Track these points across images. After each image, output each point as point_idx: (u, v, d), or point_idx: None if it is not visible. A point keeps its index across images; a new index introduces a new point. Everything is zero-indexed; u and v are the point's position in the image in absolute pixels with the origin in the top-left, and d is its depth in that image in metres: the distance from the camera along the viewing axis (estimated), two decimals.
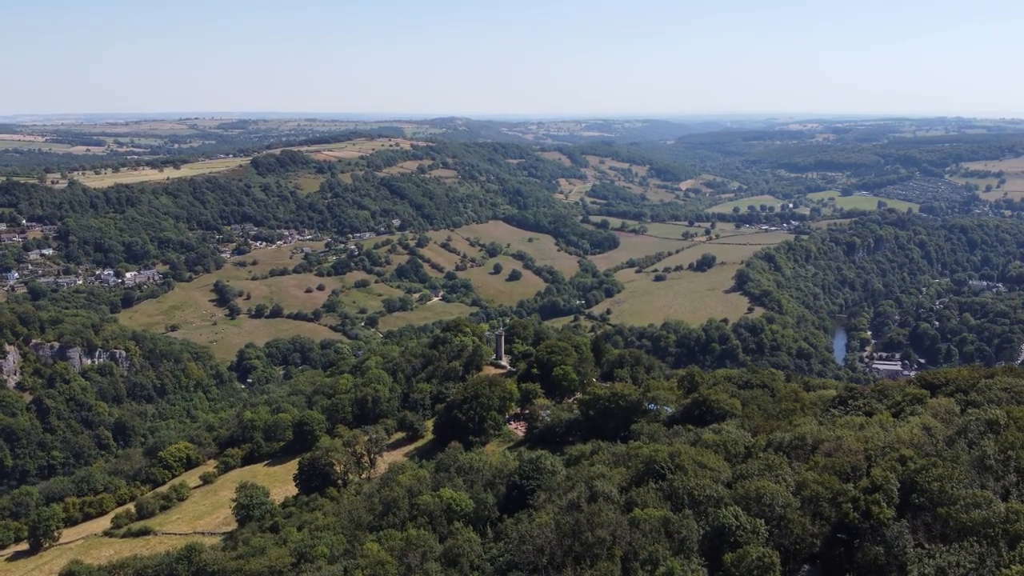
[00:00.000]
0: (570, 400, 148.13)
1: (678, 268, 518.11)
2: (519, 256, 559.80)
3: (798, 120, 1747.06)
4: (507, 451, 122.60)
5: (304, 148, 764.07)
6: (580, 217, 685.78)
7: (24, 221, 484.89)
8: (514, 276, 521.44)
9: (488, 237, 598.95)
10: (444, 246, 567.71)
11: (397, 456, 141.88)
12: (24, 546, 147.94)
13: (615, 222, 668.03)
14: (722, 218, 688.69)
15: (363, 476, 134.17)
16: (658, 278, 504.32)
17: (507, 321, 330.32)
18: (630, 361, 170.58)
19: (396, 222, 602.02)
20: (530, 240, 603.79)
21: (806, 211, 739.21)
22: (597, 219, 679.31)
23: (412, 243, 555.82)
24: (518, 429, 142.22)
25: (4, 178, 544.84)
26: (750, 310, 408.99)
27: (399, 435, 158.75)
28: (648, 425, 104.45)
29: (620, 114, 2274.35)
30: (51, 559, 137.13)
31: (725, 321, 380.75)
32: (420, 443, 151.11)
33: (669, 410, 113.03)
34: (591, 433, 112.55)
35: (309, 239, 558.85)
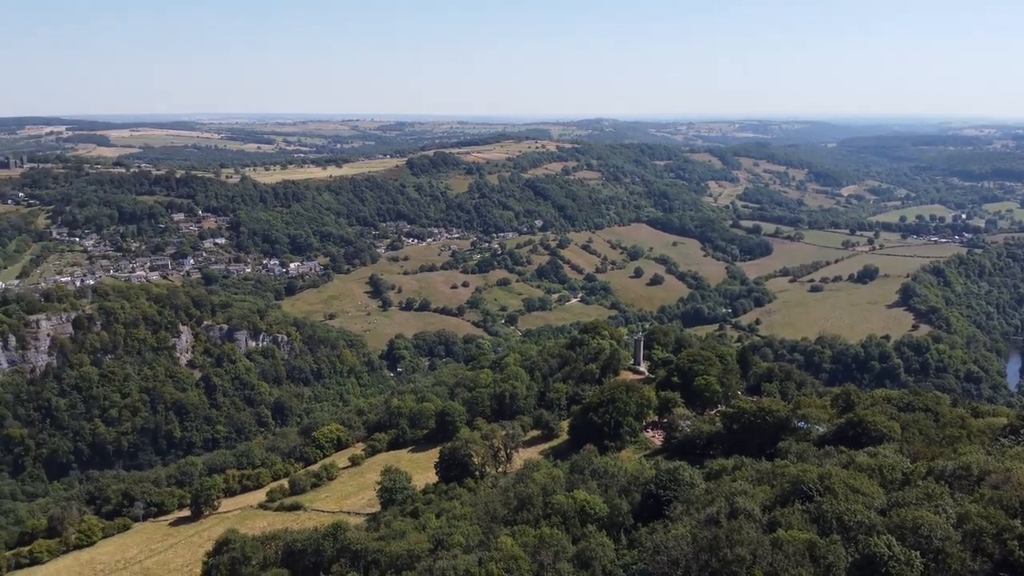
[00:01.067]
0: (712, 412, 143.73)
1: (836, 279, 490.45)
2: (662, 260, 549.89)
3: (973, 125, 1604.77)
4: (643, 459, 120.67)
5: (455, 150, 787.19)
6: (729, 221, 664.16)
7: (200, 212, 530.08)
8: (656, 280, 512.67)
9: (630, 240, 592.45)
10: (585, 248, 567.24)
11: (532, 453, 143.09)
12: (186, 512, 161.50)
13: (768, 228, 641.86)
14: (887, 227, 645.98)
15: (499, 470, 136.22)
16: (814, 289, 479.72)
17: (647, 326, 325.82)
18: (780, 375, 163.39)
19: (538, 223, 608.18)
20: (674, 244, 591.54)
21: (980, 223, 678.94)
22: (748, 224, 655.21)
23: (553, 244, 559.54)
24: (655, 438, 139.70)
25: (184, 172, 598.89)
26: (914, 327, 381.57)
27: (534, 433, 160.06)
28: (796, 444, 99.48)
29: (777, 115, 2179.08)
30: (210, 526, 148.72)
31: (886, 338, 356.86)
32: (555, 443, 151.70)
33: (820, 429, 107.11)
34: (733, 448, 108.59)
35: (456, 237, 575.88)
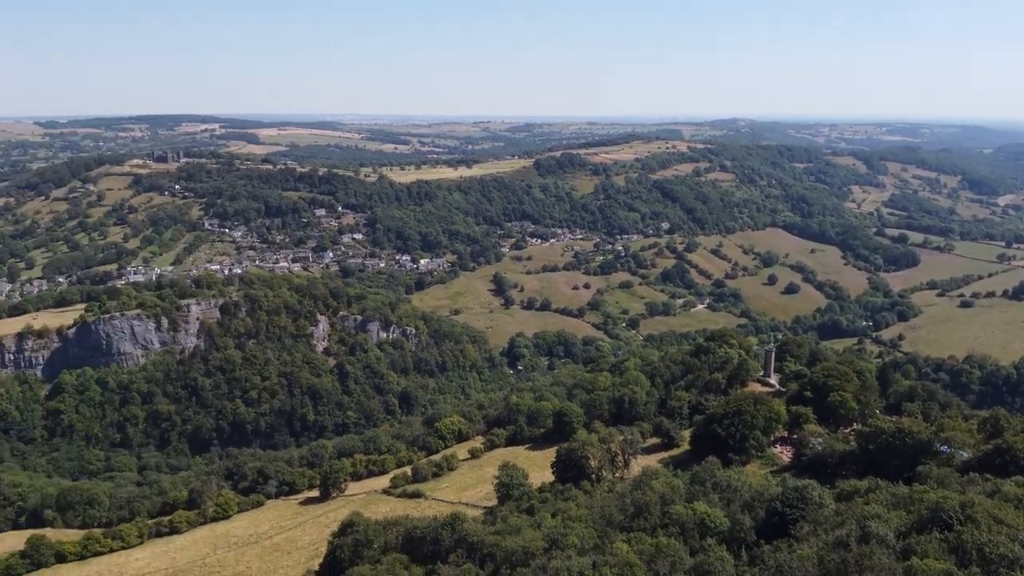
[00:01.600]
0: (846, 431, 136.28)
1: (989, 295, 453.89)
2: (798, 268, 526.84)
3: None
4: (769, 475, 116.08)
5: (582, 151, 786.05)
6: (873, 229, 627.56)
7: (340, 208, 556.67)
8: (791, 289, 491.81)
9: (764, 245, 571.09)
10: (714, 252, 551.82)
11: (650, 461, 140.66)
12: (315, 493, 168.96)
13: (916, 237, 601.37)
14: None
15: (616, 475, 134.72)
16: (964, 304, 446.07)
17: (779, 337, 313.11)
18: (922, 395, 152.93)
19: (665, 225, 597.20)
20: (812, 251, 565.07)
21: None
22: (894, 232, 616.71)
23: (680, 247, 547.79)
24: (783, 453, 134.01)
25: (326, 170, 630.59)
26: None
27: (653, 440, 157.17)
28: (937, 468, 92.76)
29: (928, 117, 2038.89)
30: (336, 508, 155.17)
31: None
32: (675, 452, 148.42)
33: (964, 455, 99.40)
34: (868, 469, 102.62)
35: (580, 238, 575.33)
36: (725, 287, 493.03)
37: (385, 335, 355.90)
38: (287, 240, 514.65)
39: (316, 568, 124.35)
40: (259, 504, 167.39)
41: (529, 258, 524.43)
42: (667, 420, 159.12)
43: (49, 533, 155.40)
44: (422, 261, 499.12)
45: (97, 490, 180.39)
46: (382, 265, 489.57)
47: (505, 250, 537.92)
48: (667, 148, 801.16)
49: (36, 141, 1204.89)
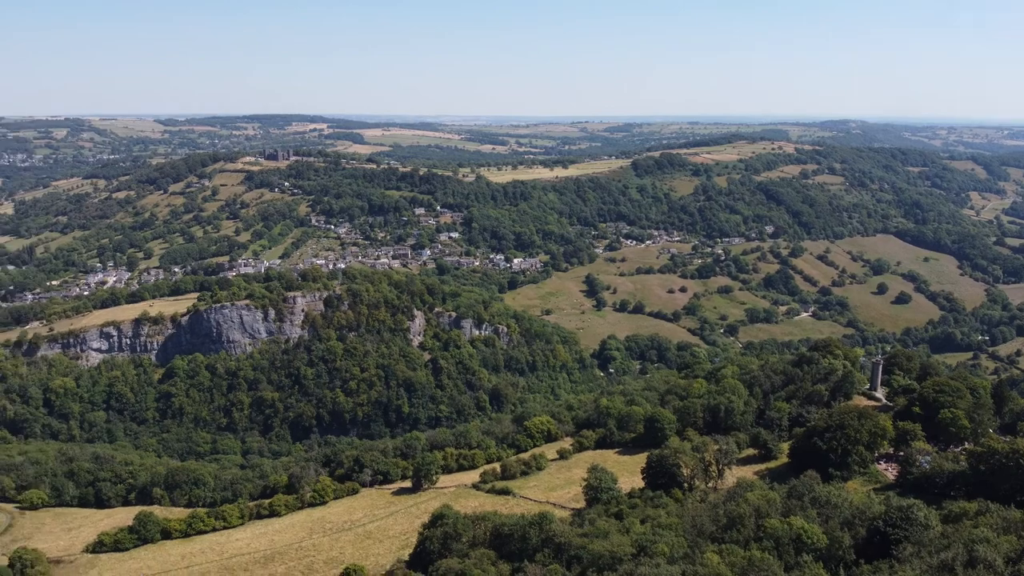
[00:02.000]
0: (957, 449, 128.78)
1: None
2: (910, 277, 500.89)
3: None
4: (872, 492, 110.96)
5: (682, 151, 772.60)
6: (993, 238, 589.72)
7: (439, 207, 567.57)
8: (901, 299, 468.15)
9: (874, 252, 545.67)
10: (820, 258, 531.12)
11: (746, 472, 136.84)
12: (408, 484, 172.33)
13: None
14: None
15: (709, 485, 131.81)
16: None
17: (887, 349, 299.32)
18: None
19: (769, 229, 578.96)
20: (926, 260, 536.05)
21: None
22: (1015, 242, 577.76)
23: (784, 252, 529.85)
24: (887, 471, 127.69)
25: (426, 170, 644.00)
26: None
27: (750, 451, 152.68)
28: None
29: None
30: (427, 500, 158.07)
31: None
32: (772, 464, 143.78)
33: None
34: (978, 491, 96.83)
35: (677, 240, 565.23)
36: (831, 295, 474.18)
37: (478, 332, 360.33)
38: (388, 237, 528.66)
39: (406, 557, 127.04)
40: (354, 492, 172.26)
41: (623, 259, 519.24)
42: (765, 431, 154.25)
43: (157, 510, 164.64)
44: (515, 260, 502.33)
45: (203, 471, 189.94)
46: (476, 263, 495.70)
47: (599, 251, 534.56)
48: (772, 149, 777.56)
49: (156, 138, 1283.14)
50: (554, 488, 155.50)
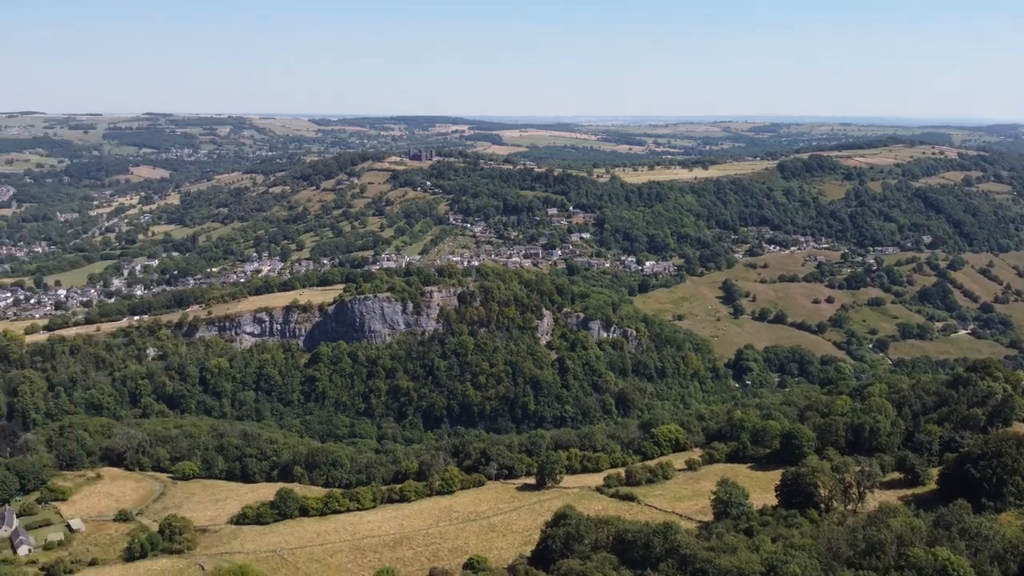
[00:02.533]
0: None
1: None
2: None
3: None
4: None
5: (834, 153, 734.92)
6: None
7: (571, 208, 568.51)
8: None
9: None
10: (983, 272, 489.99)
11: (889, 497, 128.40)
12: (532, 480, 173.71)
13: None
14: None
15: (848, 507, 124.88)
16: None
17: None
18: None
19: (926, 239, 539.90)
20: None
21: None
22: None
23: (942, 264, 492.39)
24: None
25: (561, 170, 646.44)
26: None
27: (894, 475, 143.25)
28: None
29: None
30: (550, 498, 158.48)
31: None
32: (918, 490, 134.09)
33: None
34: None
35: (824, 248, 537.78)
36: (993, 312, 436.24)
37: (606, 334, 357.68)
38: (521, 237, 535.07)
39: (528, 554, 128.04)
40: (480, 484, 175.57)
41: (764, 266, 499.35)
42: (912, 455, 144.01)
43: (296, 488, 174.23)
44: (647, 263, 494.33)
45: (340, 453, 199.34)
46: (607, 265, 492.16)
47: (738, 256, 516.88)
48: (933, 153, 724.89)
49: (310, 136, 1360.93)
50: (681, 498, 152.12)
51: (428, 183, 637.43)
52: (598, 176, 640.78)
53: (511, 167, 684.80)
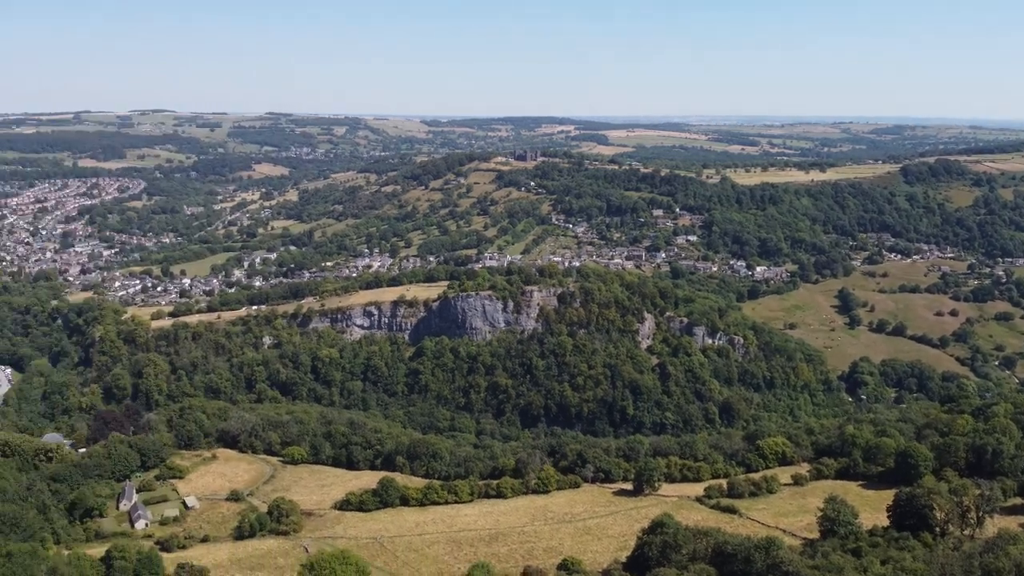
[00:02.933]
0: None
1: None
2: None
3: None
4: None
5: (961, 157, 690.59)
6: None
7: (678, 209, 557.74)
8: None
9: None
10: None
11: (1010, 523, 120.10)
12: (628, 486, 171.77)
13: None
14: None
15: (965, 532, 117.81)
16: None
17: None
18: None
19: None
20: None
21: None
22: None
23: None
24: None
25: (668, 171, 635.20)
26: None
27: (1017, 500, 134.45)
28: None
29: None
30: (648, 505, 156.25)
31: None
32: None
33: None
34: None
35: (949, 258, 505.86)
36: None
37: (711, 341, 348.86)
38: (623, 238, 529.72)
39: (623, 559, 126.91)
40: (576, 485, 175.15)
41: (884, 275, 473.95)
42: None
43: (398, 477, 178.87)
44: (758, 268, 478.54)
45: (440, 446, 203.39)
46: (714, 269, 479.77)
47: (856, 263, 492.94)
48: None
49: (421, 137, 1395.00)
50: (785, 514, 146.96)
51: (532, 183, 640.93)
52: (707, 177, 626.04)
53: (616, 167, 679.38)
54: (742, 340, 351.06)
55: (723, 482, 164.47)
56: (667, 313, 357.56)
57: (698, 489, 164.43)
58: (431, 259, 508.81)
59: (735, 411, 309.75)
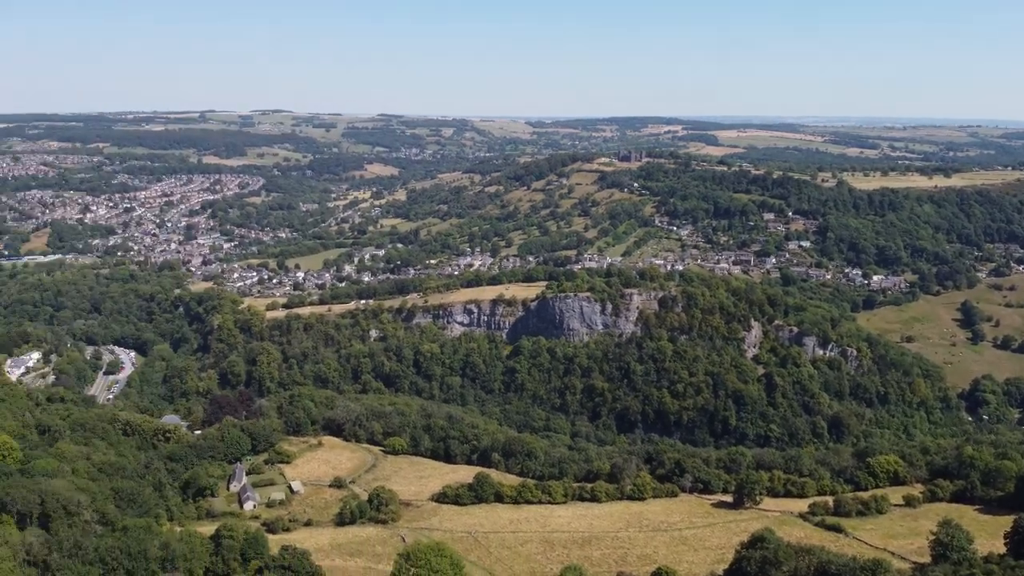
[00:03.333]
0: None
1: None
2: None
3: None
4: None
5: None
6: None
7: (790, 213, 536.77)
8: None
9: None
10: None
11: None
12: (728, 498, 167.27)
13: None
14: None
15: None
16: None
17: None
18: None
19: None
20: None
21: None
22: None
23: None
24: None
25: (780, 173, 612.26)
26: None
27: None
28: None
29: None
30: (748, 519, 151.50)
31: None
32: None
33: None
34: None
35: None
36: None
37: (821, 352, 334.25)
38: (731, 242, 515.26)
39: (720, 572, 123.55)
40: (672, 494, 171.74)
41: (1012, 288, 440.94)
42: None
43: (493, 474, 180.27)
44: (875, 277, 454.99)
45: (535, 445, 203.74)
46: (828, 277, 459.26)
47: (981, 275, 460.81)
48: None
49: (525, 138, 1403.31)
50: (894, 536, 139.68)
51: (635, 184, 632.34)
52: (823, 180, 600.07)
53: (725, 168, 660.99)
54: (855, 352, 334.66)
55: (829, 499, 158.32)
56: (776, 321, 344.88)
57: (802, 505, 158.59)
58: (530, 259, 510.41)
59: (845, 426, 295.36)
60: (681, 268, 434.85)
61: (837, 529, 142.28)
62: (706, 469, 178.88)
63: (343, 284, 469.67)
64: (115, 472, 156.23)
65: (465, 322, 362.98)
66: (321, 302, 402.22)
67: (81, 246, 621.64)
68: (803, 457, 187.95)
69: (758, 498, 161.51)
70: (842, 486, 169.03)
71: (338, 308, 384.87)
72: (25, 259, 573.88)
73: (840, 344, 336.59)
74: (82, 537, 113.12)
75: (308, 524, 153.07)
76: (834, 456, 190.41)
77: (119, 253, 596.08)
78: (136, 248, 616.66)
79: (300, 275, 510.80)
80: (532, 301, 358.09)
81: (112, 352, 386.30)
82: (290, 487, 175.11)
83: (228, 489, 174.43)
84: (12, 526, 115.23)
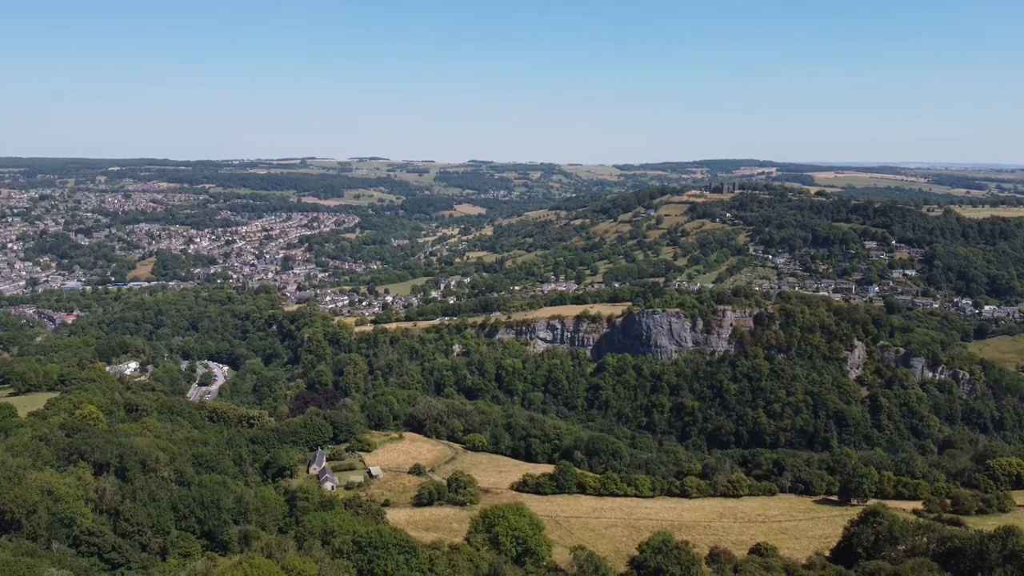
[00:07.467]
0: None
1: None
2: None
3: None
4: None
5: None
6: None
7: (894, 242, 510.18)
8: None
9: None
10: None
11: None
12: (833, 498, 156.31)
13: None
14: None
15: None
16: None
17: None
18: None
19: None
20: None
21: None
22: None
23: None
24: None
25: (882, 203, 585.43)
26: None
27: None
28: None
29: None
30: (856, 513, 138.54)
31: None
32: None
33: None
34: None
35: None
36: None
37: (931, 375, 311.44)
38: (830, 270, 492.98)
39: (827, 553, 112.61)
40: (771, 492, 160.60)
41: None
42: None
43: (576, 471, 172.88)
44: (986, 307, 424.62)
45: (620, 445, 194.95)
46: (936, 306, 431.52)
47: None
48: None
49: (612, 180, 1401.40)
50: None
51: (728, 215, 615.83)
52: (928, 210, 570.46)
53: (823, 199, 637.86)
54: (968, 375, 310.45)
55: (947, 499, 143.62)
56: (880, 342, 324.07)
57: (916, 505, 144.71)
58: (616, 285, 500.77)
59: (956, 451, 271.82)
60: (778, 291, 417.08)
61: (955, 524, 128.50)
62: (807, 469, 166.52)
63: (429, 304, 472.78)
64: (197, 444, 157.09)
65: (548, 338, 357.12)
66: (407, 319, 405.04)
67: (184, 274, 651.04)
68: (915, 458, 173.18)
69: (867, 495, 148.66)
70: (959, 489, 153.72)
71: (423, 324, 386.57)
72: (130, 284, 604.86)
73: (951, 367, 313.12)
74: (157, 489, 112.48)
75: (386, 504, 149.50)
76: (949, 460, 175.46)
77: (219, 280, 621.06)
78: (235, 276, 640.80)
79: (389, 298, 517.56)
80: (618, 317, 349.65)
81: (206, 366, 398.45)
82: (369, 472, 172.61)
83: (308, 472, 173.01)
84: (88, 471, 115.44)
